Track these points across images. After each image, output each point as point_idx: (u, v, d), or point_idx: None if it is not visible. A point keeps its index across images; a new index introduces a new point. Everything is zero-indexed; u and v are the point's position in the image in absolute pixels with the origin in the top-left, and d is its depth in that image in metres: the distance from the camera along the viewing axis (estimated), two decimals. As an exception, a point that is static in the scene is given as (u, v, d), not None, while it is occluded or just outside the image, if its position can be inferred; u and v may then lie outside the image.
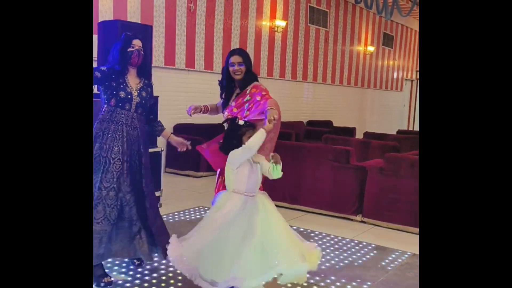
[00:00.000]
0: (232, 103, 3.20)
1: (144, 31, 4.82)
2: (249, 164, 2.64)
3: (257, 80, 3.24)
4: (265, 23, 9.37)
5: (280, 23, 9.56)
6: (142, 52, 3.00)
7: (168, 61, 7.40)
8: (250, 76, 3.18)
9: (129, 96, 2.93)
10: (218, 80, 3.30)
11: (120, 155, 2.87)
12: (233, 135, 2.70)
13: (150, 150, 4.69)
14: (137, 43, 2.99)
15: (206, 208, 4.97)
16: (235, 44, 8.67)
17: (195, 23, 7.82)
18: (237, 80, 3.19)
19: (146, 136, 3.08)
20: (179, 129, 7.24)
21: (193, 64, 7.84)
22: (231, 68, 3.15)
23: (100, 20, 5.94)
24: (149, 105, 3.10)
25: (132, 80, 3.01)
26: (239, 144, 2.65)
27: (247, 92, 3.13)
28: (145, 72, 3.14)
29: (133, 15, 6.74)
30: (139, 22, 6.51)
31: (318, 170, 5.00)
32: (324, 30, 11.27)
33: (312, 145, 5.59)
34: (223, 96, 3.29)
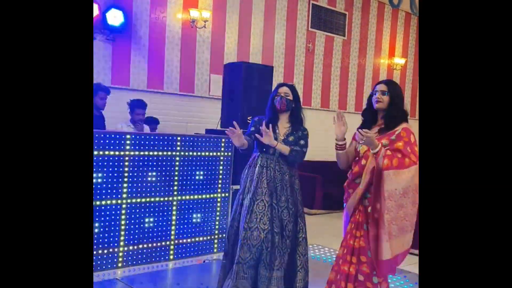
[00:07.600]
0: None
1: (265, 72, 5.09)
2: None
3: (407, 121, 2.79)
4: (383, 61, 9.26)
5: (399, 60, 9.38)
6: (288, 97, 3.12)
7: (286, 99, 7.63)
8: (399, 113, 2.76)
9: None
10: (364, 110, 2.92)
11: (263, 197, 3.01)
12: None
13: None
14: (282, 90, 3.14)
15: (319, 247, 4.93)
16: (352, 83, 8.68)
17: (313, 62, 8.02)
18: (380, 112, 2.78)
19: (294, 179, 3.14)
20: (294, 166, 7.33)
21: (309, 102, 7.99)
22: (373, 96, 2.77)
23: (225, 62, 6.39)
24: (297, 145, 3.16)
25: (282, 126, 3.18)
26: None
27: (396, 133, 2.72)
28: (295, 117, 3.20)
29: (255, 57, 7.14)
30: (260, 63, 6.87)
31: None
32: (447, 67, 10.78)
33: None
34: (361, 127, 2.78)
